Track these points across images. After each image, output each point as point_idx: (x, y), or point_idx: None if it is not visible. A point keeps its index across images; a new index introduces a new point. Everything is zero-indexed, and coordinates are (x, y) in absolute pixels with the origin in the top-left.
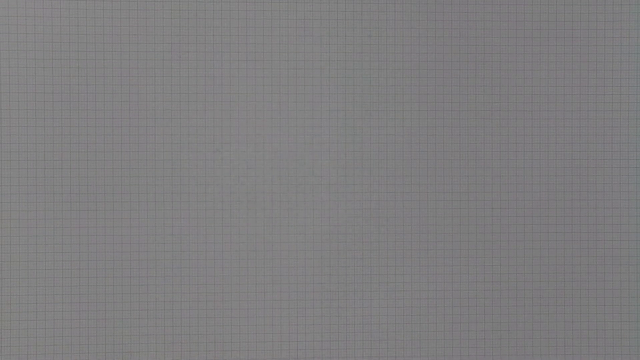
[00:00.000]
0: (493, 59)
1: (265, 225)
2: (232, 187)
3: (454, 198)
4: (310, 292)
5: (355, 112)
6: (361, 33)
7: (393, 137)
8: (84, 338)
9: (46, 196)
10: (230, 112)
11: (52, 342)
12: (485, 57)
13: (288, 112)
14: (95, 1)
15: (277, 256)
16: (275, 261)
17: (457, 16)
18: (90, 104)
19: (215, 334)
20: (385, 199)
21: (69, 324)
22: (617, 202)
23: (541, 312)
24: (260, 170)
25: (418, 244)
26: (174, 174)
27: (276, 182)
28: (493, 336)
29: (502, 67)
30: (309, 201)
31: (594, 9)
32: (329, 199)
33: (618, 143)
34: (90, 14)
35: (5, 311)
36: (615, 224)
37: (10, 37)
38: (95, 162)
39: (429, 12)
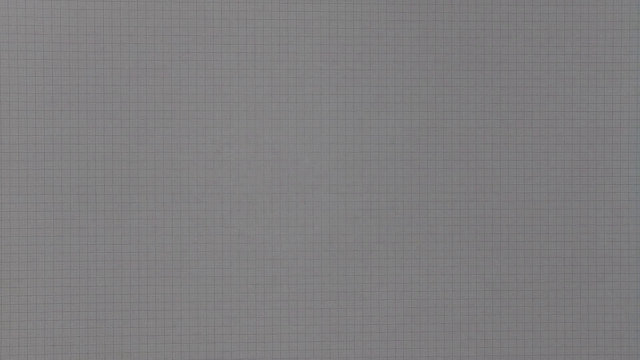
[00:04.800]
0: (493, 59)
1: (265, 225)
2: (232, 187)
3: (454, 198)
4: (310, 292)
5: (355, 112)
6: (361, 33)
7: (393, 137)
8: (84, 338)
9: (46, 196)
10: (231, 112)
11: (52, 342)
12: (485, 57)
13: (288, 113)
14: (95, 1)
15: (277, 256)
16: (275, 261)
17: (457, 16)
18: (90, 104)
19: (215, 334)
20: (385, 199)
21: (68, 324)
22: (617, 202)
23: (541, 312)
24: (260, 170)
25: (418, 244)
26: (174, 174)
27: (276, 182)
28: (493, 336)
29: (502, 67)
30: (309, 201)
31: (594, 10)
32: (329, 199)
33: (618, 143)
34: (90, 14)
35: (5, 311)
36: (615, 224)
37: (10, 37)
38: (95, 163)
39: (429, 12)
